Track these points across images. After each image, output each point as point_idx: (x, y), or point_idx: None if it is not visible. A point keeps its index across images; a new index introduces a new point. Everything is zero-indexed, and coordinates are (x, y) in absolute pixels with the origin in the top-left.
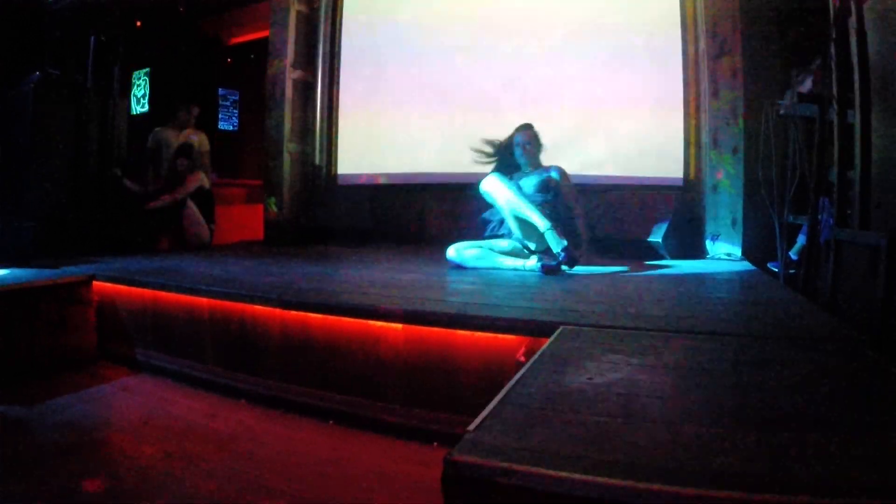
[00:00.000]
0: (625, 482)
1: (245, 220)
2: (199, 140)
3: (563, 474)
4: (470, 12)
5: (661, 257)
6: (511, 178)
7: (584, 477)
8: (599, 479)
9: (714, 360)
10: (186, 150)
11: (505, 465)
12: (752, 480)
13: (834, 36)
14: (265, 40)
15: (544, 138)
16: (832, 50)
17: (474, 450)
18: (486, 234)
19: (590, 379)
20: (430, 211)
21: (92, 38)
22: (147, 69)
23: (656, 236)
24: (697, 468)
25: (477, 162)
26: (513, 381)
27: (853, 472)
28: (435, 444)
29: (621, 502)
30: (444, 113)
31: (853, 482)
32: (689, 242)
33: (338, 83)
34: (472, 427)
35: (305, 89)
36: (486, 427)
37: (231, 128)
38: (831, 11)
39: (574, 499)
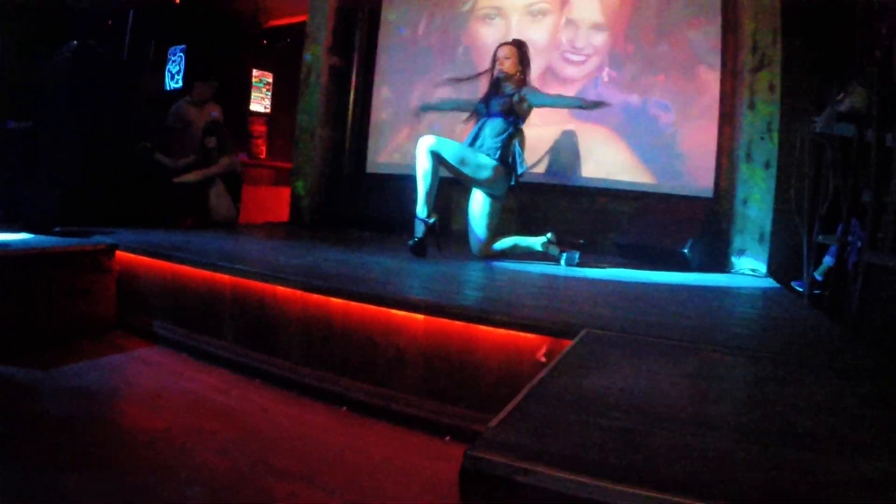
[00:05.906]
0: (646, 491)
1: (271, 201)
2: (218, 114)
3: (584, 479)
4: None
5: (687, 267)
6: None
7: (604, 483)
8: (621, 487)
9: (736, 374)
10: (214, 127)
11: (525, 464)
12: (773, 498)
13: (878, 56)
14: (302, 24)
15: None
16: (875, 71)
17: (494, 447)
18: None
19: (612, 384)
20: (456, 206)
21: (131, 11)
22: (183, 46)
23: (683, 246)
24: (717, 482)
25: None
26: (535, 381)
27: (879, 497)
28: (448, 438)
29: None
30: None
31: None
32: (715, 255)
33: (373, 72)
34: (493, 423)
35: (340, 76)
36: (507, 425)
37: (263, 109)
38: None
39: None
